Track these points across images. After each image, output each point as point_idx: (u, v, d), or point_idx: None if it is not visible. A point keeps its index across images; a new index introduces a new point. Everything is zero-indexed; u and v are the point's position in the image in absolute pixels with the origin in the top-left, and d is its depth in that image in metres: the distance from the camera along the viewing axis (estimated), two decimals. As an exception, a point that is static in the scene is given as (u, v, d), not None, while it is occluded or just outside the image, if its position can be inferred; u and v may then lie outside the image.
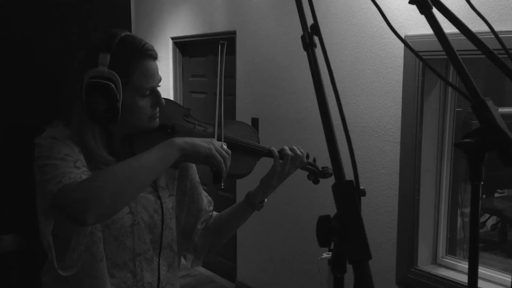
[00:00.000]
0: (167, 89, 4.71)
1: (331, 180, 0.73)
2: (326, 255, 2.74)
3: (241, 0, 3.79)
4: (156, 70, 1.34)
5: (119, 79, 1.25)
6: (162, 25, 4.71)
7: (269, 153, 1.52)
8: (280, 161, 1.50)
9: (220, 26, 4.02)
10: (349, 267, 0.71)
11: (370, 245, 0.69)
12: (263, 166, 1.55)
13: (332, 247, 0.74)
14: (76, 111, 1.30)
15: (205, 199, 1.62)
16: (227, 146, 1.43)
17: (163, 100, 1.35)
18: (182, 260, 1.60)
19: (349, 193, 0.70)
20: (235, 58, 3.89)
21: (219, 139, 1.42)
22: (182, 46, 4.67)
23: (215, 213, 1.64)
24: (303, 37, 0.79)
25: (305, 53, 0.79)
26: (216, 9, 4.05)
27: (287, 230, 3.59)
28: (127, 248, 1.37)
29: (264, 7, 3.60)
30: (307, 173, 1.63)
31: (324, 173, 1.62)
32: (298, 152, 1.52)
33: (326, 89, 0.77)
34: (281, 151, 1.53)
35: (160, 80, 1.35)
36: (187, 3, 4.38)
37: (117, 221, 1.34)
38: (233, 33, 3.88)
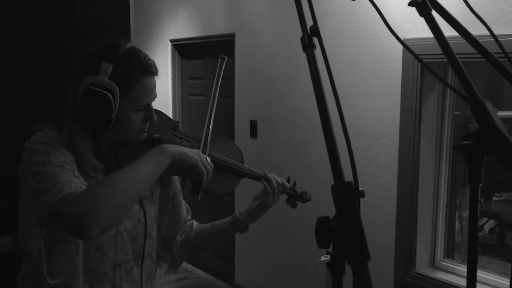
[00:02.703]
0: (165, 91, 4.71)
1: (330, 182, 0.73)
2: (324, 258, 2.74)
3: (240, 3, 3.80)
4: (154, 87, 1.34)
5: (118, 90, 1.25)
6: (161, 27, 4.71)
7: (257, 179, 1.56)
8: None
9: (219, 28, 4.02)
10: (348, 269, 0.71)
11: (368, 248, 0.69)
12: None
13: (331, 248, 0.74)
14: (67, 115, 1.29)
15: (184, 207, 1.62)
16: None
17: (155, 117, 1.36)
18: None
19: (348, 195, 0.70)
20: (234, 61, 3.89)
21: (203, 152, 1.43)
22: (181, 48, 4.67)
23: (195, 222, 1.64)
24: (302, 39, 0.79)
25: (304, 55, 0.79)
26: (215, 12, 4.06)
27: (285, 233, 3.59)
28: (109, 258, 1.36)
29: (263, 9, 3.61)
30: (286, 196, 1.65)
31: (302, 198, 1.66)
32: (279, 180, 1.56)
33: (325, 91, 0.77)
34: (267, 180, 1.55)
35: (156, 96, 1.36)
36: (186, 6, 4.38)
37: None
38: (232, 35, 3.88)
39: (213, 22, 4.08)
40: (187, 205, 1.63)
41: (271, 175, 1.55)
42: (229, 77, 3.97)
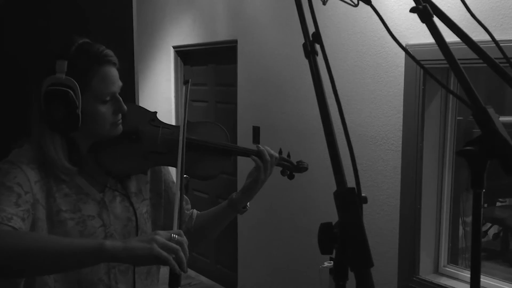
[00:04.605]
0: (168, 97, 4.73)
1: (333, 188, 0.73)
2: (327, 264, 2.73)
3: (242, 9, 3.81)
4: (116, 76, 1.31)
5: (77, 85, 1.23)
6: (164, 34, 4.73)
7: (247, 155, 1.50)
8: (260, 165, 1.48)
9: (221, 35, 4.04)
10: (351, 275, 0.71)
11: (372, 254, 0.68)
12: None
13: (333, 254, 0.74)
14: (35, 121, 1.27)
15: None
16: (194, 150, 1.40)
17: (125, 107, 1.32)
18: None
19: (351, 201, 0.70)
20: (236, 67, 3.90)
21: (179, 222, 1.28)
22: (184, 55, 4.69)
23: (195, 211, 1.61)
24: (304, 45, 0.79)
25: (306, 62, 0.79)
26: (218, 18, 4.07)
27: (288, 239, 3.58)
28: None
29: (265, 16, 3.62)
30: (281, 169, 1.59)
31: (299, 167, 1.60)
32: (272, 152, 1.51)
33: (327, 97, 0.77)
34: (260, 153, 1.50)
35: (120, 86, 1.32)
36: (189, 12, 4.40)
37: (88, 237, 1.31)
38: (235, 42, 3.89)
39: (216, 29, 4.10)
40: (185, 196, 1.58)
41: (264, 148, 1.51)
42: (232, 83, 3.98)
